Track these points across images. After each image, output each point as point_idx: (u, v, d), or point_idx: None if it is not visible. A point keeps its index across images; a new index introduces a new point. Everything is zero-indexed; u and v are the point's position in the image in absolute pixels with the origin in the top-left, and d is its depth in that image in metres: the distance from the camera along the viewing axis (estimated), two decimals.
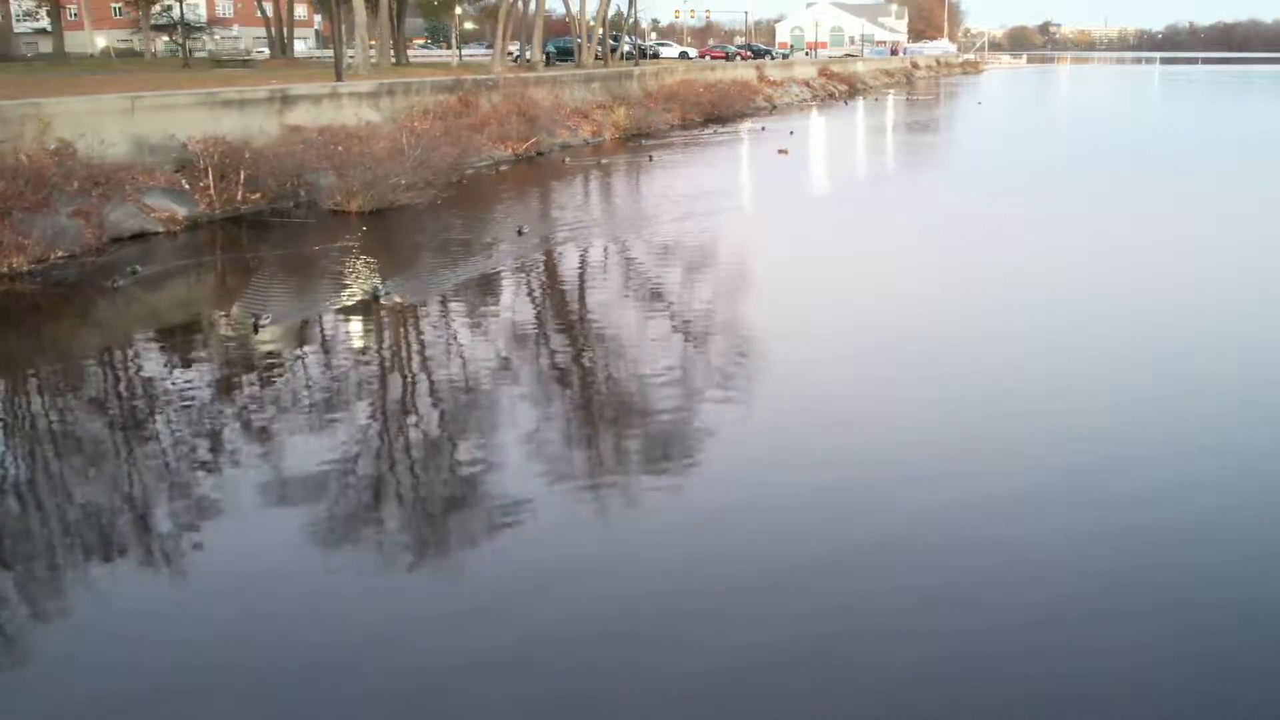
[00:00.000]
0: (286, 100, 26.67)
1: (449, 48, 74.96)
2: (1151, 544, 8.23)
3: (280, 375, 12.43)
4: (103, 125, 21.47)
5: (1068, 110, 72.03)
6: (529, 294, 17.00)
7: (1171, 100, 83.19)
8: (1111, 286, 16.91)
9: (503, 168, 32.02)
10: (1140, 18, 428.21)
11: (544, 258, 19.42)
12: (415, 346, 13.77)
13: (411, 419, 10.97)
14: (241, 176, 22.17)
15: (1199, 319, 15.21)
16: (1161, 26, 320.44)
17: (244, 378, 12.27)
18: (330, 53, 43.13)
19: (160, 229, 20.73)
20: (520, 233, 20.66)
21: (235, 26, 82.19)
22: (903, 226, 22.94)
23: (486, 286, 16.99)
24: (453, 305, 15.78)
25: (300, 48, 74.04)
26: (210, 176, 21.96)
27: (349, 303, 15.50)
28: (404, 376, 12.51)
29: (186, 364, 13.02)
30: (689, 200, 25.39)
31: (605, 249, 20.52)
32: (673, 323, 14.91)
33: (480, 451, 10.09)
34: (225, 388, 11.96)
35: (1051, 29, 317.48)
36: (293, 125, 26.30)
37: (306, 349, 13.75)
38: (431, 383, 12.27)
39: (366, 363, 12.94)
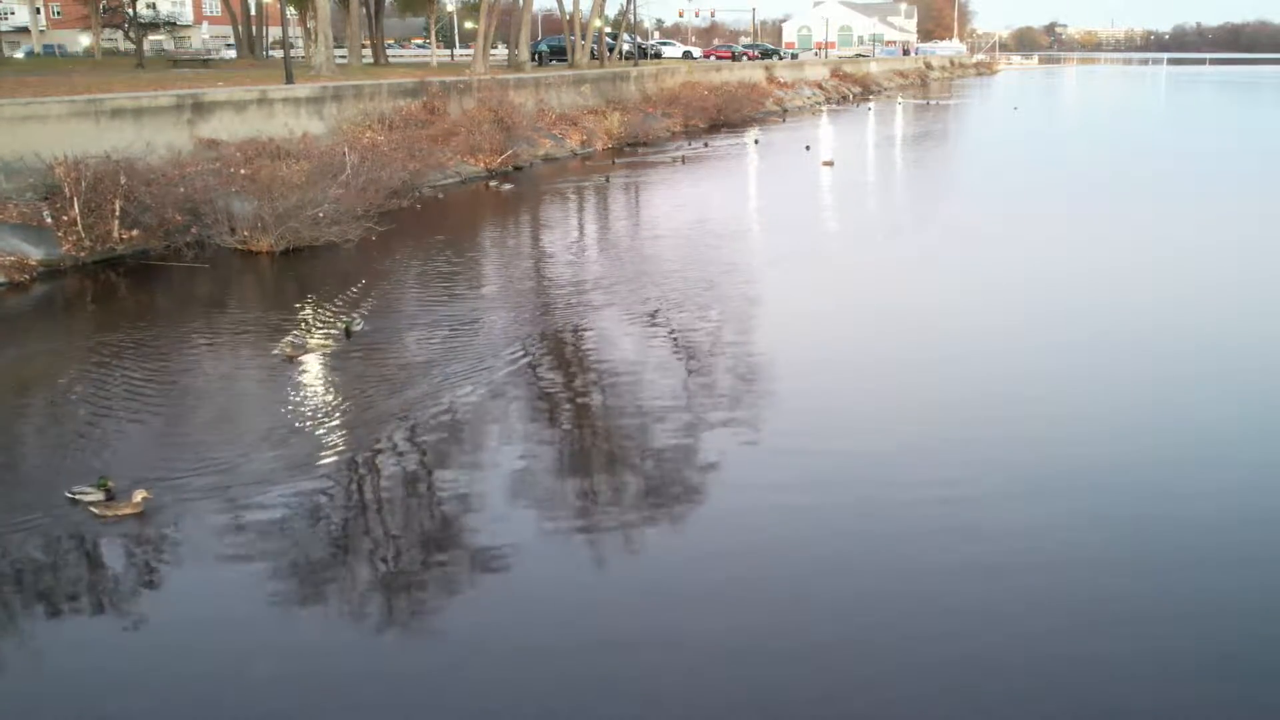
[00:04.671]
0: (200, 108, 21.58)
1: (445, 46, 70.05)
2: None
3: None
4: None
5: (1121, 115, 63.11)
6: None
7: (1211, 104, 77.62)
8: None
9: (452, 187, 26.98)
10: (1147, 18, 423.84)
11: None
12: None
13: None
14: (117, 208, 17.14)
15: None
16: (1169, 27, 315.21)
17: None
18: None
19: (2, 280, 15.76)
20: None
21: (205, 24, 77.03)
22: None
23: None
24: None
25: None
26: (76, 208, 16.94)
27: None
28: None
29: None
30: (698, 251, 19.84)
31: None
32: None
33: None
34: None
35: (1058, 29, 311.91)
36: (207, 139, 21.28)
37: None
38: None
39: None
